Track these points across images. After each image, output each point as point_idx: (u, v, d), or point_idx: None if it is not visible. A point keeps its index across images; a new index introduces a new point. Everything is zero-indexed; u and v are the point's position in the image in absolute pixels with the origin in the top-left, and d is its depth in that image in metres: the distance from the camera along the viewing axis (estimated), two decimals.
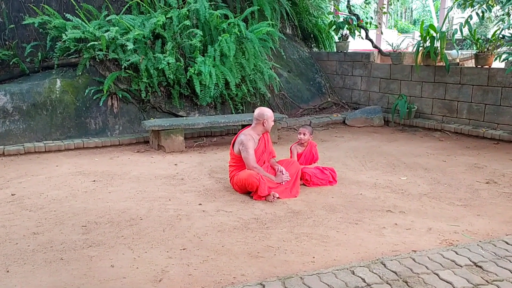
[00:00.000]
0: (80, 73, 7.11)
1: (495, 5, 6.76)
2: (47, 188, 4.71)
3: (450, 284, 2.67)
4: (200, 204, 4.27)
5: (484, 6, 6.37)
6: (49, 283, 2.84)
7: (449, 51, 8.01)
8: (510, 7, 7.14)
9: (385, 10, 10.55)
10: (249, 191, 4.51)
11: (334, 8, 11.59)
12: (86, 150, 6.38)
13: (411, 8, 35.64)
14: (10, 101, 6.52)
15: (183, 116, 7.42)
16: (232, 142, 4.73)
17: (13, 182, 4.91)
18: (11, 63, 7.19)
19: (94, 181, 4.97)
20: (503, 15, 6.88)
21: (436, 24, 10.76)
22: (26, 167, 5.51)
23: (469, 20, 6.59)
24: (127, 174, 5.24)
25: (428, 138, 7.25)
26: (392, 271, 2.81)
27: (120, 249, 3.33)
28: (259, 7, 8.13)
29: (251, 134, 4.64)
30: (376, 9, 12.55)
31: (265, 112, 4.67)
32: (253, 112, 4.70)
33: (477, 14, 6.62)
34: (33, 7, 7.34)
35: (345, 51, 9.65)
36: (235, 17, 7.77)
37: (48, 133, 6.65)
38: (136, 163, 5.74)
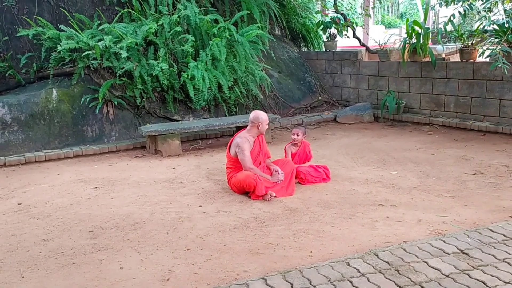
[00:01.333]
0: (75, 82, 7.25)
1: (476, 0, 6.98)
2: (52, 196, 4.87)
3: (439, 270, 2.87)
4: (201, 206, 4.45)
5: (466, 4, 6.59)
6: (64, 286, 3.01)
7: (434, 46, 8.23)
8: (492, 3, 7.39)
9: (368, 12, 10.75)
10: (247, 191, 4.70)
11: (321, 7, 11.78)
12: (85, 158, 6.53)
13: (398, 2, 35.95)
14: (8, 112, 6.65)
15: (178, 120, 7.59)
16: (228, 145, 4.90)
17: (17, 191, 5.06)
18: (6, 74, 7.31)
19: (96, 187, 5.13)
20: (484, 10, 7.11)
21: (422, 17, 10.96)
22: (28, 176, 5.66)
23: (451, 18, 6.81)
24: (127, 180, 5.41)
25: (417, 132, 7.47)
26: (385, 261, 3.02)
27: (127, 252, 3.50)
28: (248, 11, 8.31)
29: (246, 137, 4.82)
30: (362, 4, 12.73)
31: (260, 115, 4.84)
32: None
33: (459, 12, 6.84)
34: (26, 18, 7.46)
35: (333, 50, 9.86)
36: (225, 21, 7.95)
37: (47, 142, 6.79)
38: (135, 169, 5.91)
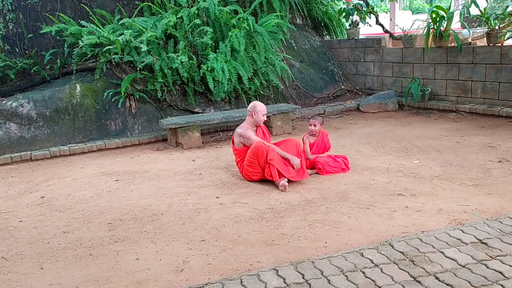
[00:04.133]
0: (98, 77, 7.38)
1: None
2: (74, 189, 4.98)
3: (455, 261, 2.79)
4: (218, 197, 4.47)
5: None
6: (80, 277, 3.08)
7: (460, 31, 7.98)
8: None
9: None
10: (262, 169, 4.67)
11: None
12: (108, 151, 6.65)
13: None
14: (33, 108, 6.82)
15: (199, 113, 7.62)
16: (231, 140, 4.97)
17: (41, 185, 5.20)
18: (32, 71, 7.50)
19: (117, 180, 5.22)
20: None
21: (453, 2, 10.65)
22: (52, 170, 5.80)
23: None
24: (148, 172, 5.47)
25: (443, 120, 7.28)
26: (400, 252, 2.96)
27: (144, 243, 3.55)
28: (266, 0, 8.24)
29: (246, 126, 4.88)
30: None
31: (256, 105, 4.89)
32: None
33: None
34: (49, 15, 7.62)
35: (356, 38, 9.68)
36: (244, 12, 7.91)
37: (72, 137, 6.94)
38: (155, 161, 5.98)
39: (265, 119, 4.98)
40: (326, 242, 3.39)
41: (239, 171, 5.03)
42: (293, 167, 4.67)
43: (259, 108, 4.87)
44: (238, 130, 4.84)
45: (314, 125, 5.08)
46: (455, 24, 7.88)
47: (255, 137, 4.77)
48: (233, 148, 4.94)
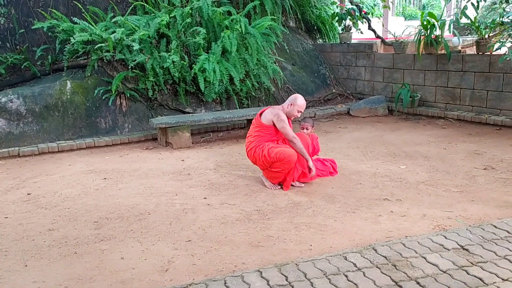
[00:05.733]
0: (89, 74, 7.35)
1: None
2: (61, 186, 4.96)
3: (436, 266, 2.84)
4: (205, 198, 4.48)
5: None
6: (64, 276, 3.07)
7: (450, 39, 8.07)
8: None
9: (386, 3, 10.57)
10: (272, 169, 4.54)
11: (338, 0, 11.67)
12: (97, 149, 6.63)
13: None
14: (23, 103, 6.78)
15: (190, 113, 7.63)
16: (259, 113, 4.74)
17: (28, 182, 5.17)
18: (22, 66, 7.45)
19: (105, 178, 5.21)
20: (501, 2, 6.92)
21: (445, 9, 10.75)
22: (40, 167, 5.78)
23: (465, 10, 6.66)
24: (136, 171, 5.47)
25: (431, 126, 7.35)
26: (383, 256, 2.99)
27: (130, 242, 3.56)
28: (260, 2, 8.26)
29: (282, 112, 4.64)
30: None
31: (297, 98, 4.68)
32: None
33: (472, 4, 6.68)
34: (42, 11, 7.58)
35: (348, 42, 9.74)
36: (237, 13, 7.93)
37: (61, 133, 6.91)
38: (145, 160, 5.97)
39: (298, 116, 4.76)
40: (311, 245, 3.42)
41: (246, 146, 4.78)
42: (308, 170, 4.63)
43: (298, 102, 4.64)
44: (277, 110, 4.60)
45: (306, 128, 5.08)
46: (445, 32, 7.96)
47: (291, 132, 4.53)
48: (258, 121, 4.68)
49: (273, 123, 4.61)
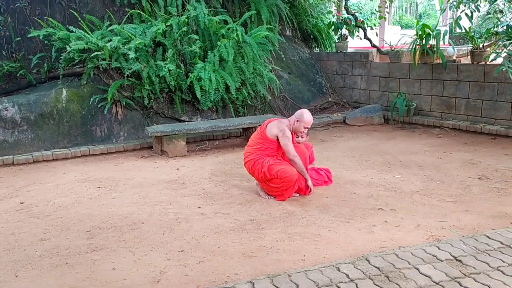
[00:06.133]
0: (85, 82, 7.35)
1: (484, 2, 6.86)
2: (54, 195, 4.94)
3: (429, 277, 2.82)
4: (199, 207, 4.46)
5: (473, 6, 6.48)
6: (55, 286, 3.04)
7: (445, 48, 8.11)
8: (505, 4, 7.23)
9: (383, 13, 10.63)
10: (269, 184, 4.53)
11: (335, 8, 11.73)
12: (92, 157, 6.61)
13: (416, 3, 35.49)
14: (18, 112, 6.77)
15: (186, 121, 7.62)
16: (264, 124, 4.67)
17: (22, 190, 5.15)
18: (18, 74, 7.45)
19: (99, 187, 5.19)
20: (495, 12, 6.97)
21: (441, 18, 10.82)
22: (34, 175, 5.75)
23: (458, 20, 6.71)
24: (131, 180, 5.45)
25: (427, 135, 7.37)
26: (375, 267, 2.98)
27: (122, 252, 3.53)
28: (256, 11, 8.30)
29: (287, 127, 4.61)
30: (379, 4, 12.64)
31: (304, 114, 4.62)
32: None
33: (466, 14, 6.73)
34: (38, 20, 7.58)
35: (344, 51, 9.78)
36: (234, 22, 7.96)
37: (56, 142, 6.89)
38: (139, 169, 5.95)
39: (305, 132, 4.72)
40: (304, 255, 3.40)
41: (244, 156, 4.74)
42: (306, 187, 4.64)
43: (305, 119, 4.58)
44: (283, 125, 4.54)
45: (301, 136, 5.07)
46: (440, 41, 8.00)
47: (293, 151, 4.51)
48: (262, 133, 4.62)
49: (277, 138, 4.58)
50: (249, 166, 4.69)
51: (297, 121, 4.62)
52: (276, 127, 4.58)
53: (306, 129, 4.71)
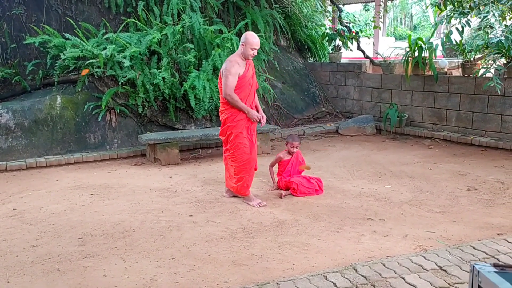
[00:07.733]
0: (79, 90, 7.40)
1: (473, 16, 6.99)
2: (47, 202, 4.96)
3: (414, 286, 2.88)
4: (191, 215, 4.50)
5: (464, 20, 6.62)
6: None
7: (437, 60, 8.23)
8: (497, 16, 7.35)
9: (376, 24, 10.78)
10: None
11: (330, 19, 11.88)
12: (85, 164, 6.64)
13: (411, 14, 35.84)
14: (12, 118, 6.80)
15: (180, 129, 7.67)
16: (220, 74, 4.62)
17: (14, 197, 5.17)
18: (13, 81, 7.48)
19: (92, 194, 5.22)
20: (486, 26, 7.11)
21: (436, 32, 11.00)
22: (27, 182, 5.77)
23: (449, 35, 6.84)
24: (124, 187, 5.48)
25: (418, 146, 7.45)
26: (362, 276, 3.03)
27: (113, 259, 3.56)
28: (251, 21, 8.40)
29: (235, 60, 4.46)
30: (373, 15, 12.81)
31: (247, 35, 4.42)
32: None
33: (457, 28, 6.86)
34: (34, 27, 7.64)
35: (338, 62, 9.89)
36: (229, 32, 8.04)
37: (49, 148, 6.91)
38: (132, 176, 5.99)
39: (255, 54, 4.48)
40: (293, 264, 3.45)
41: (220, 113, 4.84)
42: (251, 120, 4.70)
43: (249, 40, 4.35)
44: (225, 64, 4.41)
45: (296, 147, 5.18)
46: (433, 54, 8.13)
47: (231, 82, 4.37)
48: (219, 85, 4.63)
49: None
50: (222, 117, 4.83)
51: (242, 45, 4.43)
52: (222, 70, 4.45)
53: (255, 50, 4.45)
